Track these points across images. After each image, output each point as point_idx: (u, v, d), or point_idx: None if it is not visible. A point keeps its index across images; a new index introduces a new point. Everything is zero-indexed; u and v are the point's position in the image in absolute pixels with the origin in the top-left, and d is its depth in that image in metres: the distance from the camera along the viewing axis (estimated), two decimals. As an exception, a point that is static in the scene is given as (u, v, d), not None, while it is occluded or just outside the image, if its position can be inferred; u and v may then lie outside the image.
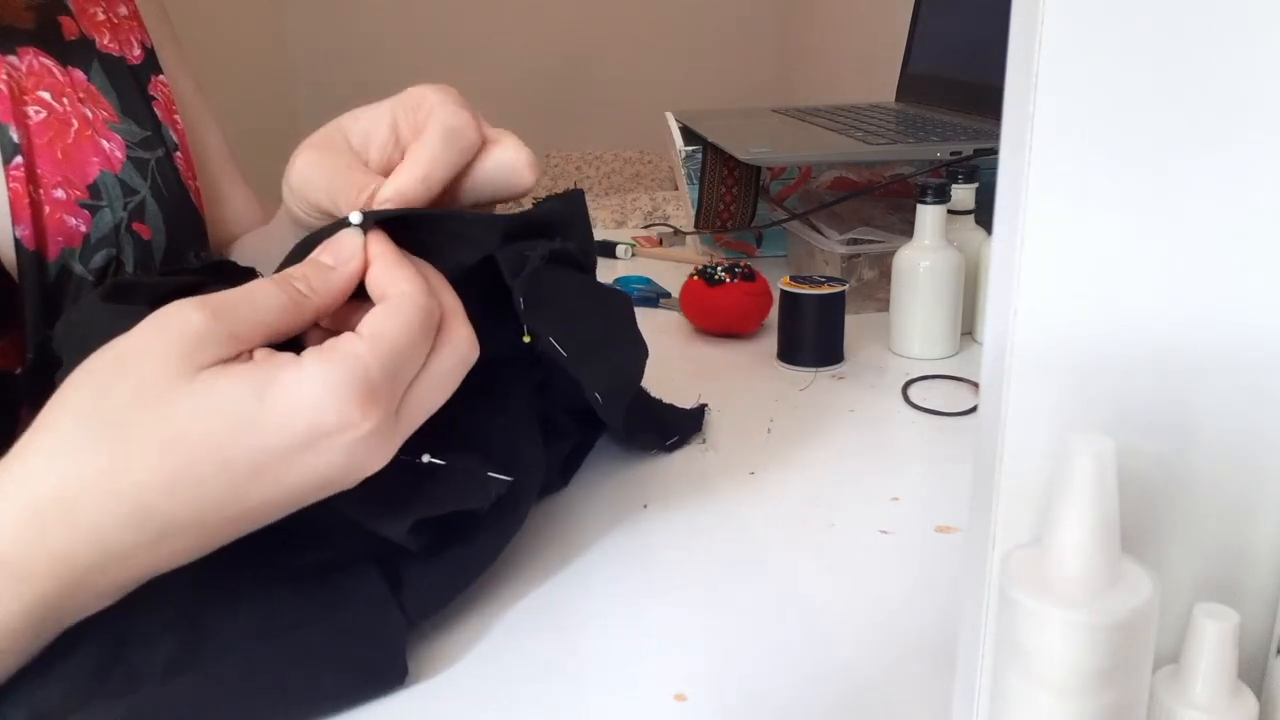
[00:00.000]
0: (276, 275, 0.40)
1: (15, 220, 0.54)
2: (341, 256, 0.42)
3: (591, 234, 0.55)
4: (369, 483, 0.40)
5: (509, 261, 0.47)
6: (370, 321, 0.39)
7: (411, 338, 0.39)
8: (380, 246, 0.42)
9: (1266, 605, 0.29)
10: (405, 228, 0.44)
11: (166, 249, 0.62)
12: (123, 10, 0.66)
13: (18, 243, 0.54)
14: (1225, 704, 0.26)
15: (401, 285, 0.40)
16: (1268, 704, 0.28)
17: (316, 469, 0.37)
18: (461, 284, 0.45)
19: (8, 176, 0.55)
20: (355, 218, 0.43)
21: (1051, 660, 0.25)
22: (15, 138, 0.56)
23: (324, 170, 0.47)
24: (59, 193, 0.57)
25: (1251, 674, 0.29)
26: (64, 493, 0.35)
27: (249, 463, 0.36)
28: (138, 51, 0.66)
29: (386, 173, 0.48)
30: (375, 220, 0.43)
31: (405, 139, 0.49)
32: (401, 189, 0.45)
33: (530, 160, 0.49)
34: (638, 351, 0.57)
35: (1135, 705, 0.26)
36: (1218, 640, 0.26)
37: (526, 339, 0.48)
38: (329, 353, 0.37)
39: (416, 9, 2.99)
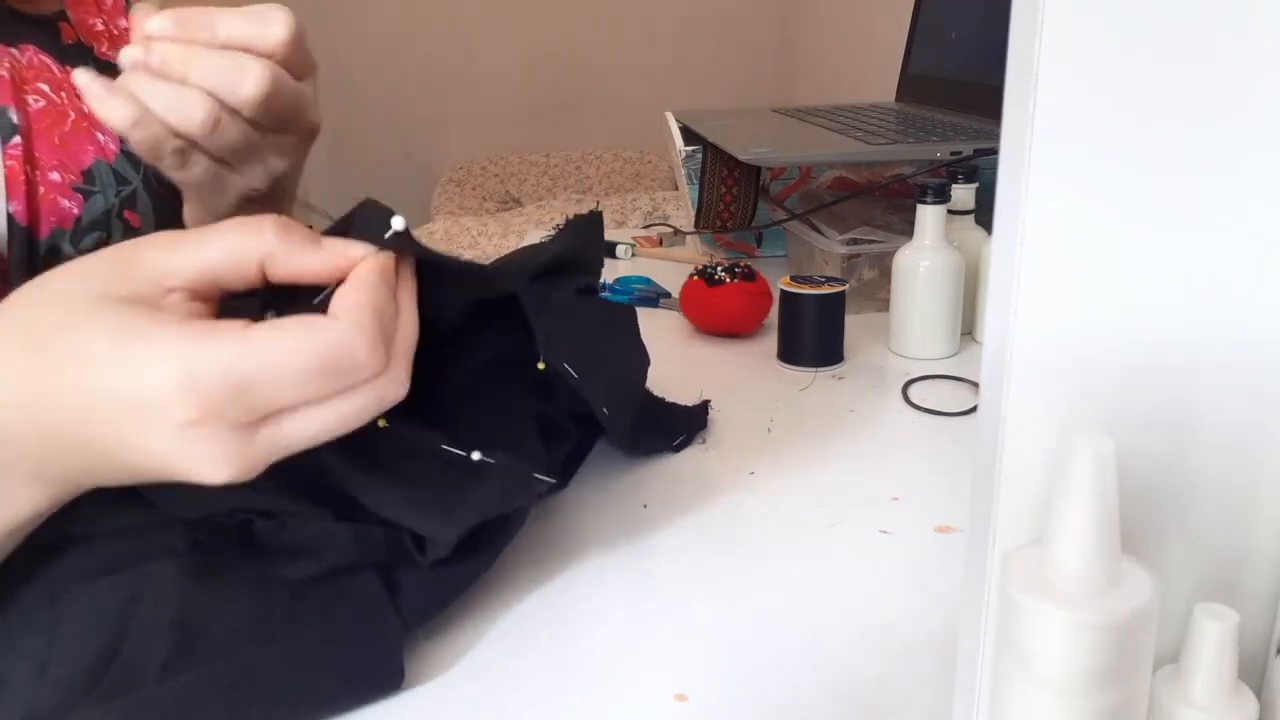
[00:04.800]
0: (257, 216, 0.37)
1: (10, 196, 0.56)
2: (345, 250, 0.38)
3: (602, 254, 0.56)
4: (420, 478, 0.40)
5: (532, 300, 0.47)
6: (273, 326, 0.35)
7: (302, 367, 0.35)
8: (376, 267, 0.38)
9: (1266, 605, 0.29)
10: (437, 279, 0.44)
11: None
12: (122, 23, 0.67)
13: (10, 218, 0.56)
14: (1225, 704, 0.26)
15: (342, 315, 0.36)
16: (1268, 704, 0.28)
17: (141, 449, 0.34)
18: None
19: (4, 155, 0.56)
20: (399, 223, 0.39)
21: (1051, 660, 0.25)
22: (15, 119, 0.57)
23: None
24: (54, 175, 0.58)
25: (1251, 674, 0.29)
26: None
27: (80, 403, 0.34)
28: None
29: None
30: (414, 251, 0.41)
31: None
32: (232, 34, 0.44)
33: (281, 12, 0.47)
34: (641, 365, 0.57)
35: (1135, 705, 0.26)
36: (1218, 640, 0.26)
37: (541, 366, 0.49)
38: (205, 329, 0.34)
39: (417, 9, 2.99)
